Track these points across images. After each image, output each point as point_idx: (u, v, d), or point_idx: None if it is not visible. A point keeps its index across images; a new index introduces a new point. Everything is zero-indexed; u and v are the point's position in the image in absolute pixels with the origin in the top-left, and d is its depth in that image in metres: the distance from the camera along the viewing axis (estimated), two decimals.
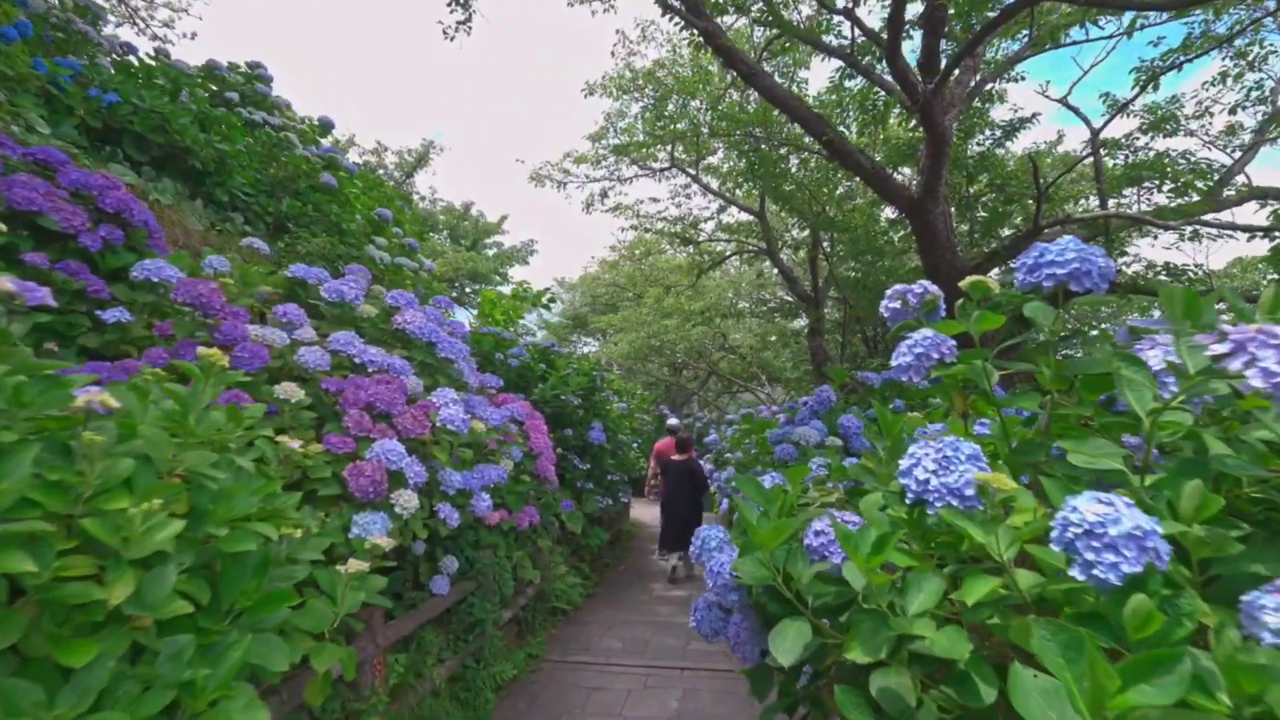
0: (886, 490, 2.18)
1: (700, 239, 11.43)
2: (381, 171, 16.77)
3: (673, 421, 9.75)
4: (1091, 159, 5.59)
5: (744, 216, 11.40)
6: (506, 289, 8.37)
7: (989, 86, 6.00)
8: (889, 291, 2.13)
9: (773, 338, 18.15)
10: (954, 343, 1.85)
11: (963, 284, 1.84)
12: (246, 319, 2.63)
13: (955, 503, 1.41)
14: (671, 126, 8.60)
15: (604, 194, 11.00)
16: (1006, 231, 6.71)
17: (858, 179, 9.53)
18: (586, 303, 21.55)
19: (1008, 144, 6.18)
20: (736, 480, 2.18)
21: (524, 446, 4.16)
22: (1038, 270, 1.65)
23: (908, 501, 1.49)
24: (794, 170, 8.47)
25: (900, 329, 2.08)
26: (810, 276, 9.74)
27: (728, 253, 11.97)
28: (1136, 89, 4.91)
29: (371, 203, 7.07)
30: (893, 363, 1.91)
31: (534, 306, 8.72)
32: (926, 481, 1.46)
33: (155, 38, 11.85)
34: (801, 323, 20.56)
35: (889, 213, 9.29)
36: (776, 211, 10.89)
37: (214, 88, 6.51)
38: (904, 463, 1.54)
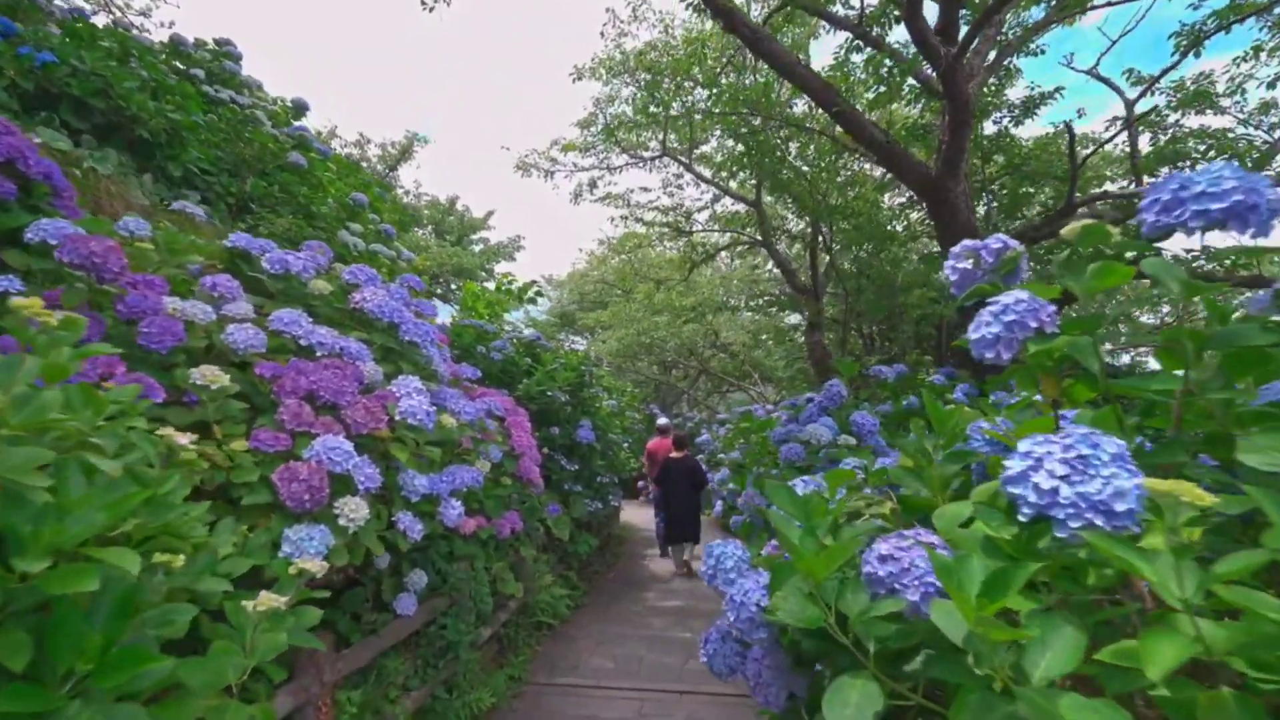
0: (931, 494, 1.81)
1: (693, 230, 11.01)
2: (364, 164, 16.22)
3: (664, 421, 9.61)
4: (1119, 135, 5.25)
5: (739, 209, 11.04)
6: (491, 285, 7.91)
7: (1008, 61, 5.64)
8: (955, 250, 1.73)
9: (764, 336, 17.82)
10: (1054, 309, 1.45)
11: (1066, 231, 1.44)
12: (164, 290, 2.18)
13: (1099, 521, 1.00)
14: (664, 111, 8.18)
15: (593, 184, 10.57)
16: (1019, 221, 6.37)
17: (861, 165, 9.17)
18: (574, 300, 21.08)
19: (1027, 121, 5.82)
20: (766, 487, 1.76)
21: (505, 445, 3.73)
22: (1179, 207, 1.24)
23: (1023, 517, 1.09)
24: (792, 157, 8.08)
25: (971, 296, 1.67)
26: (809, 269, 9.35)
27: (722, 244, 11.56)
28: (1177, 55, 4.56)
29: (346, 188, 6.60)
30: (971, 335, 1.50)
31: (519, 301, 8.27)
32: (1054, 491, 1.04)
33: (131, 26, 11.30)
34: (796, 319, 20.25)
35: (899, 199, 8.92)
36: (773, 204, 10.52)
37: (179, 65, 6.04)
38: (1013, 464, 1.13)
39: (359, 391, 2.31)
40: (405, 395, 2.38)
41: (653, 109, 8.01)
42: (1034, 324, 1.41)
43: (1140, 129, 5.35)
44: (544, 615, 4.92)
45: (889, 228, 7.80)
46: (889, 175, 8.39)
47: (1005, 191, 6.04)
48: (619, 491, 7.90)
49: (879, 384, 4.99)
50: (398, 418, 2.30)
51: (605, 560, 7.87)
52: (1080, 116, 6.30)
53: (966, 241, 1.72)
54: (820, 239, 8.93)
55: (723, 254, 13.40)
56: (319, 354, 2.41)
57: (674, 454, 7.77)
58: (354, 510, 1.94)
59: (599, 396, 7.10)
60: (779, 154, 7.70)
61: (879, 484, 2.08)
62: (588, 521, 6.61)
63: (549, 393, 6.02)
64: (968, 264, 1.66)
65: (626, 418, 8.44)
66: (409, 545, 2.40)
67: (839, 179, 7.97)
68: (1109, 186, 6.82)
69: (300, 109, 7.21)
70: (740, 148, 8.81)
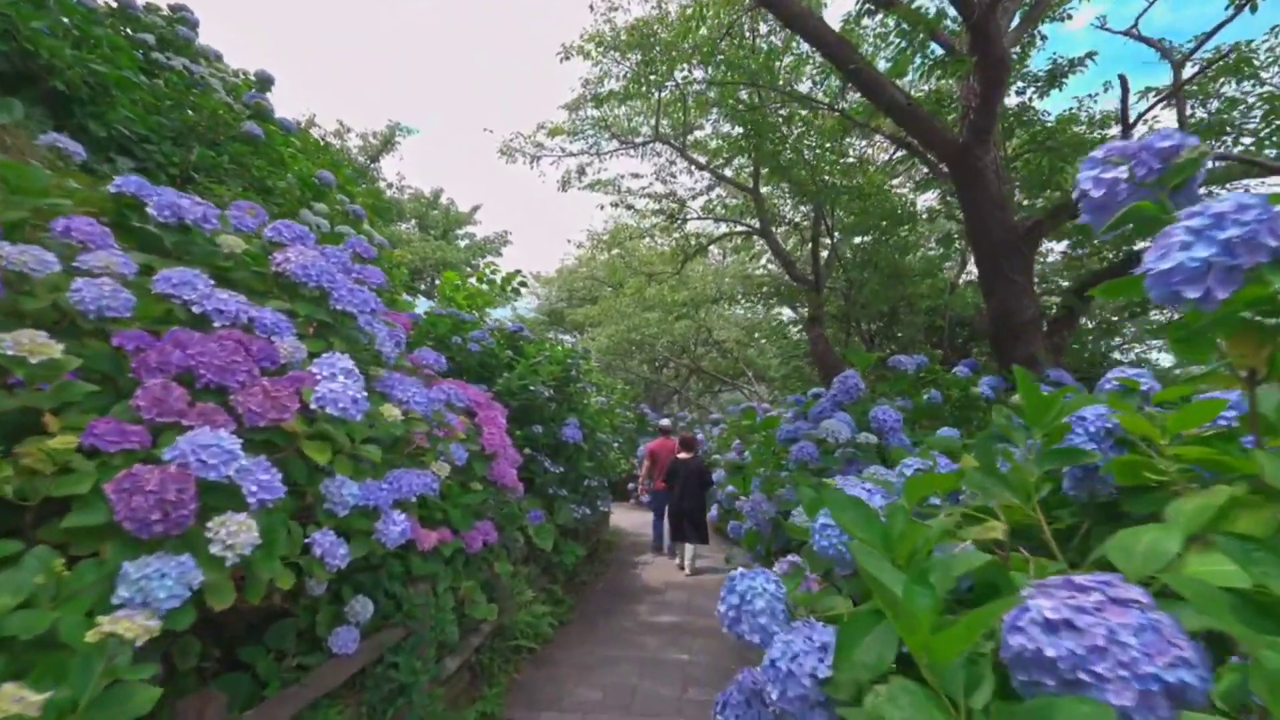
0: (1022, 505, 1.30)
1: (687, 217, 10.44)
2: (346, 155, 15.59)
3: (665, 421, 9.37)
4: (1161, 103, 4.76)
5: (735, 201, 10.51)
6: (475, 280, 7.32)
7: (1032, 32, 5.16)
8: (1093, 156, 1.23)
9: (758, 335, 17.33)
10: None
11: None
12: None
13: None
14: (658, 85, 7.63)
15: (581, 170, 9.99)
16: (1043, 200, 5.88)
17: (865, 150, 8.69)
18: (563, 297, 20.48)
19: (1052, 92, 5.32)
20: (826, 501, 1.23)
21: (474, 444, 3.17)
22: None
23: None
24: (794, 139, 7.56)
25: (1121, 221, 1.15)
26: (810, 258, 8.83)
27: (716, 234, 11.01)
28: (1231, 9, 4.09)
29: (312, 166, 6.01)
30: (1156, 266, 0.99)
31: (503, 292, 7.72)
32: None
33: None
34: (790, 314, 19.75)
35: (907, 185, 8.44)
36: (771, 194, 10.00)
37: (129, 31, 5.43)
38: None
39: (263, 372, 1.75)
40: (327, 378, 1.82)
41: (647, 81, 7.44)
42: (1273, 242, 0.89)
43: (1186, 95, 4.87)
44: (523, 638, 4.36)
45: (897, 207, 7.27)
46: (899, 154, 7.90)
47: (1030, 168, 5.55)
48: (608, 495, 7.35)
49: (897, 377, 4.48)
50: (314, 405, 1.74)
51: (593, 569, 7.32)
52: (1106, 90, 5.81)
53: (1113, 143, 1.18)
54: (823, 225, 8.40)
55: (716, 250, 12.84)
56: (216, 325, 1.85)
57: (681, 454, 7.92)
58: (234, 532, 1.38)
59: (587, 393, 6.55)
60: (780, 134, 7.17)
61: (948, 491, 1.55)
62: (574, 529, 6.06)
63: (531, 388, 5.46)
64: (1115, 173, 1.13)
65: (617, 415, 7.89)
66: (326, 576, 1.83)
67: (843, 162, 7.45)
68: None
69: (265, 82, 6.60)
70: (738, 130, 8.29)
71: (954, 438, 2.82)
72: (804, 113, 7.29)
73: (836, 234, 8.55)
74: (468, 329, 5.60)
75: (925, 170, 6.74)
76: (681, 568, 7.51)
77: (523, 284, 7.76)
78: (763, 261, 12.58)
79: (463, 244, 17.96)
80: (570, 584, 6.17)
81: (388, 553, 2.41)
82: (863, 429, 3.81)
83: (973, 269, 7.32)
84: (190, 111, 4.79)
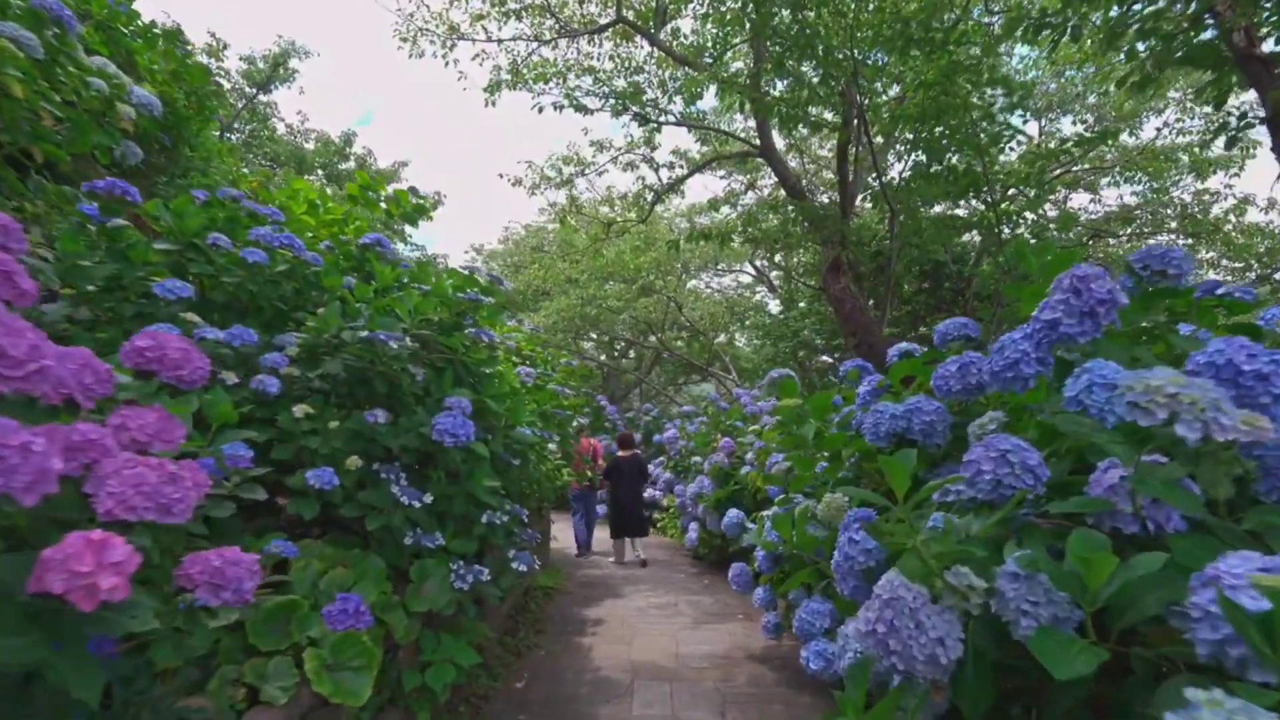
0: None
1: (660, 121, 7.67)
2: (221, 81, 12.41)
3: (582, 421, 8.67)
4: None
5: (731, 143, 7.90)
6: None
7: None
8: None
9: (733, 325, 14.87)
10: None
11: None
12: None
13: None
14: None
15: (515, 68, 7.25)
16: None
17: None
18: (508, 273, 17.63)
19: None
20: None
21: None
22: None
23: None
24: None
25: None
26: (837, 171, 6.24)
27: (698, 159, 8.37)
28: None
29: None
30: None
31: (389, 217, 5.02)
32: None
33: None
34: (764, 297, 17.35)
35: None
36: (779, 96, 7.40)
37: None
38: None
39: None
40: None
41: None
42: None
43: None
44: None
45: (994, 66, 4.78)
46: None
47: None
48: (535, 534, 4.42)
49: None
50: None
51: (522, 638, 4.67)
52: None
53: None
54: (859, 125, 5.78)
55: (696, 187, 10.21)
56: None
57: (621, 452, 8.17)
58: None
59: (497, 356, 3.81)
60: None
61: None
62: (455, 616, 3.23)
63: (381, 340, 2.75)
64: None
65: (553, 398, 5.20)
66: None
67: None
68: None
69: None
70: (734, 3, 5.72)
71: None
72: None
73: (878, 136, 5.99)
74: (238, 220, 2.86)
75: None
76: (619, 560, 7.71)
77: (435, 205, 4.98)
78: (762, 185, 9.88)
79: (383, 206, 14.90)
80: (461, 696, 3.47)
81: None
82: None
83: None
84: None
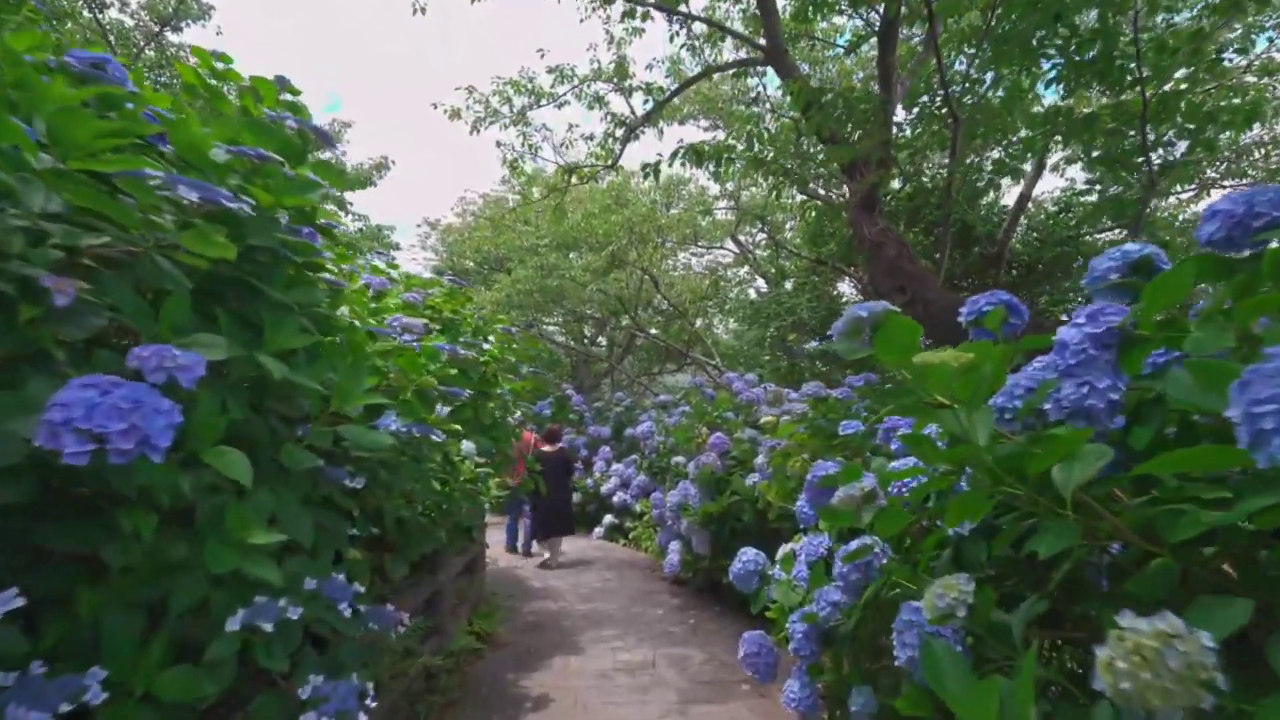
0: None
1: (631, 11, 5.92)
2: (126, 21, 10.36)
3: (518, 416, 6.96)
4: None
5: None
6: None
7: None
8: None
9: (718, 319, 13.22)
10: None
11: None
12: None
13: None
14: None
15: None
16: None
17: None
18: (467, 250, 15.80)
19: None
20: None
21: None
22: None
23: None
24: None
25: None
26: (879, 65, 4.60)
27: (686, 76, 6.70)
28: None
29: None
30: None
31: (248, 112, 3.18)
32: None
33: None
34: (749, 275, 15.80)
35: None
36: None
37: None
38: None
39: None
40: None
41: None
42: None
43: None
44: None
45: None
46: None
47: None
48: (396, 615, 2.48)
49: None
50: None
51: None
52: None
53: None
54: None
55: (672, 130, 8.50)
56: None
57: (546, 447, 7.62)
58: None
59: (355, 298, 2.09)
60: None
61: None
62: None
63: None
64: None
65: (500, 377, 3.54)
66: None
67: None
68: None
69: None
70: None
71: None
72: None
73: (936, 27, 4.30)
74: None
75: None
76: (549, 560, 7.36)
77: (301, 107, 3.20)
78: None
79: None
80: None
81: None
82: None
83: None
84: None
